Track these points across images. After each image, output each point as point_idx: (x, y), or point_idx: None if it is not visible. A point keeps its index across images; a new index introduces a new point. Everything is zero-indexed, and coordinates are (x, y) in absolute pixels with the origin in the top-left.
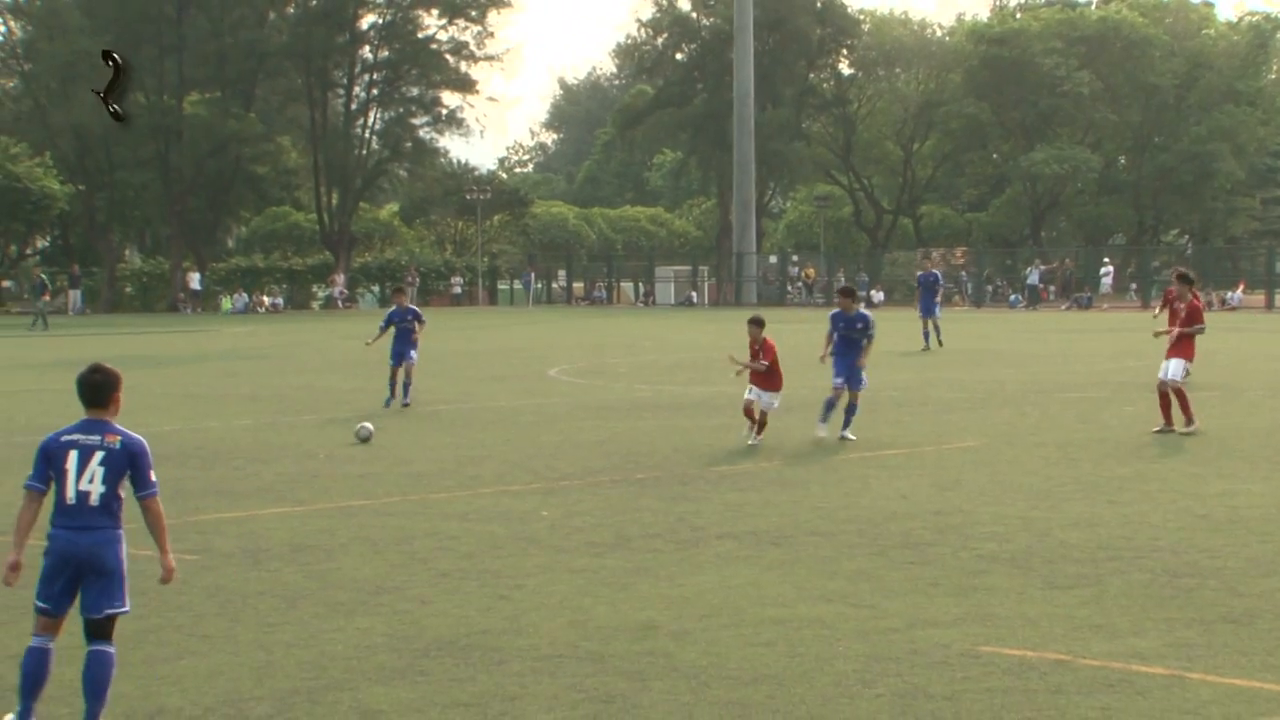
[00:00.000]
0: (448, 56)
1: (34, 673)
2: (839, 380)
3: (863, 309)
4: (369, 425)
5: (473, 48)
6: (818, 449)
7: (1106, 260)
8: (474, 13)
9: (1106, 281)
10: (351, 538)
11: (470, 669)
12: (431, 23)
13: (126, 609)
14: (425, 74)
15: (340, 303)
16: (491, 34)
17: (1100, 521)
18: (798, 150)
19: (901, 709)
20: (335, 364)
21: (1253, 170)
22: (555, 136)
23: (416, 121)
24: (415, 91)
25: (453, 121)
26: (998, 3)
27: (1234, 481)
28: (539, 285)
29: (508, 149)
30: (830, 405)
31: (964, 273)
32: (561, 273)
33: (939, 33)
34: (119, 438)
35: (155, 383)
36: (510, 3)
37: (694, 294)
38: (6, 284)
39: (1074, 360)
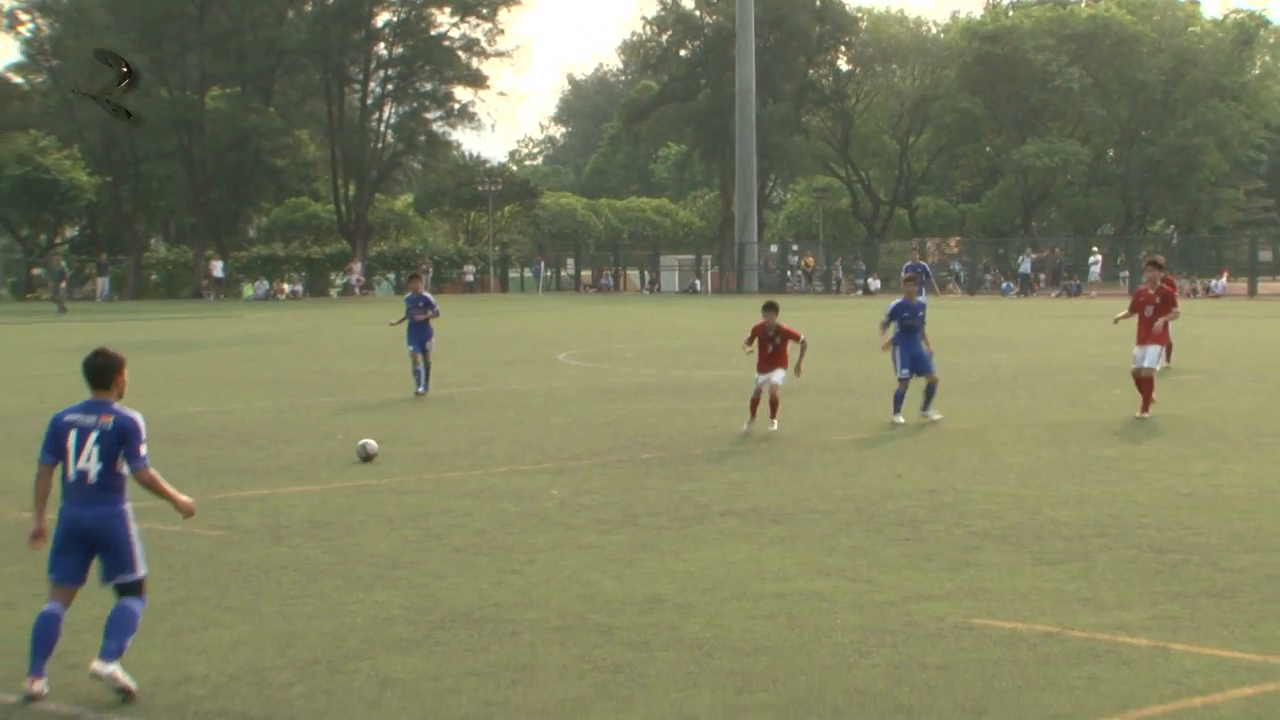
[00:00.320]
0: (460, 53)
1: (43, 635)
2: (904, 371)
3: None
4: (373, 443)
5: (484, 44)
6: (814, 431)
7: (1095, 249)
8: (485, 10)
9: (1095, 270)
10: (369, 514)
11: (483, 640)
12: (444, 20)
13: (139, 575)
14: (438, 70)
15: (357, 290)
16: (502, 31)
17: (1088, 499)
18: (797, 144)
19: (897, 678)
20: (352, 349)
21: (1236, 163)
22: (564, 130)
23: (430, 116)
24: (429, 87)
25: (465, 116)
26: (991, 1)
27: (1217, 462)
28: (548, 273)
29: (518, 142)
30: (900, 397)
31: (958, 262)
32: (570, 261)
33: (934, 30)
34: (112, 417)
35: (180, 366)
36: (520, 1)
37: (698, 282)
38: (37, 271)
39: (1063, 345)
